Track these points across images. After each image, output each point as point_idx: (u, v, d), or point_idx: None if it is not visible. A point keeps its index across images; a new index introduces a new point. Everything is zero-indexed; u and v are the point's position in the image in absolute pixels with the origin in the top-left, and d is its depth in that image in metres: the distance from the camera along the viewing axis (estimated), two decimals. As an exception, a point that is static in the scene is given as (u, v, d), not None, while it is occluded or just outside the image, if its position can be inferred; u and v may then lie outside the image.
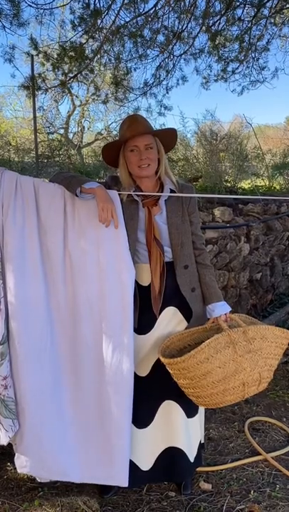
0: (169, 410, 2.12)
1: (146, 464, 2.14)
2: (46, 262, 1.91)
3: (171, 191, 2.07)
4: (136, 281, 2.00)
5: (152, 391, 2.09)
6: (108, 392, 1.90)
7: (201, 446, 2.30)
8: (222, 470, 2.38)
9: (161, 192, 2.07)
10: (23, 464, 1.93)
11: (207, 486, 2.24)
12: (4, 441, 1.88)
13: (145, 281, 2.05)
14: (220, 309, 2.08)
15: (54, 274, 1.91)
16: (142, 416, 2.07)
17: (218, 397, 1.89)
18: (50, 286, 1.91)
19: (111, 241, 1.91)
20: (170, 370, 1.93)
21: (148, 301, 2.03)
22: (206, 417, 2.80)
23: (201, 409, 2.28)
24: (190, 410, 2.14)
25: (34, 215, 1.88)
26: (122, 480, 1.92)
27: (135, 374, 1.98)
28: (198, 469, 2.34)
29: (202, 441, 2.35)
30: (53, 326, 1.92)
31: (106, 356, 1.90)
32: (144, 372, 2.09)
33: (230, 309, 2.11)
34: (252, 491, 2.21)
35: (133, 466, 2.02)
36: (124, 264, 1.91)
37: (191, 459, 2.18)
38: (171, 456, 2.14)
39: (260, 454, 2.51)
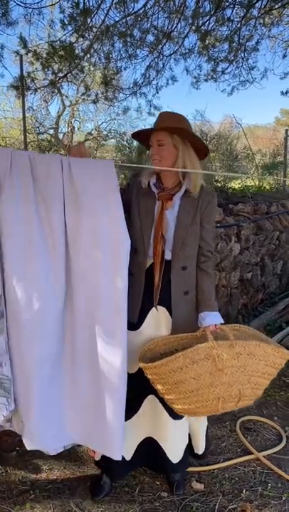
0: (154, 405, 2.13)
1: (128, 453, 2.15)
2: (48, 237, 1.82)
3: (187, 191, 2.04)
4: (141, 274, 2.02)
5: (140, 386, 2.07)
6: (102, 369, 1.87)
7: (189, 452, 2.29)
8: (214, 470, 2.38)
9: (179, 190, 2.04)
10: (33, 440, 1.89)
11: (199, 486, 2.24)
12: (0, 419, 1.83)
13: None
14: (210, 319, 2.02)
15: (56, 250, 1.83)
16: (127, 408, 2.00)
17: (190, 408, 1.85)
18: (51, 262, 1.83)
19: (106, 212, 1.83)
20: (146, 375, 1.91)
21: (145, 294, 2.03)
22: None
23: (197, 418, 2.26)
24: (173, 412, 2.07)
25: (31, 190, 1.78)
26: (116, 453, 1.91)
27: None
28: (190, 469, 2.35)
29: (196, 452, 2.35)
30: (55, 301, 1.85)
31: (99, 322, 1.86)
32: (132, 370, 2.06)
33: (221, 321, 2.03)
34: (244, 490, 2.22)
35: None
36: (119, 235, 1.83)
37: (173, 460, 2.18)
38: (150, 446, 2.17)
39: (252, 453, 2.51)
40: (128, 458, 2.15)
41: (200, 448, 2.34)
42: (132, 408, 2.08)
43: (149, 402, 2.14)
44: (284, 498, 2.18)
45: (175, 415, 2.10)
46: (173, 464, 2.18)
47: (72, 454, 2.43)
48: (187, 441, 2.26)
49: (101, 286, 1.84)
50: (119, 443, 1.90)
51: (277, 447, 2.58)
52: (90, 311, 1.86)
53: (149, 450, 2.19)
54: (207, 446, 2.39)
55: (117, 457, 1.91)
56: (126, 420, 1.99)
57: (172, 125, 1.98)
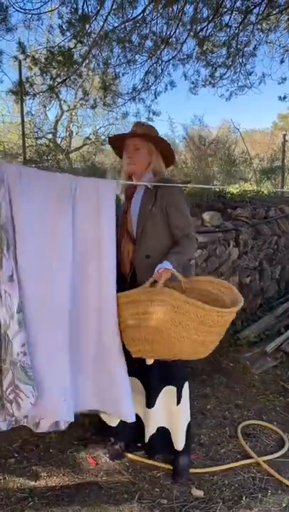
0: (134, 385, 2.28)
1: (114, 422, 2.39)
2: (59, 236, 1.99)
3: (146, 187, 2.25)
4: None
5: (155, 377, 2.27)
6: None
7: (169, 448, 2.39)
8: (213, 476, 2.36)
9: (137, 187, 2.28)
10: (62, 411, 2.01)
11: (199, 493, 2.23)
12: (26, 409, 1.89)
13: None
14: (160, 265, 2.06)
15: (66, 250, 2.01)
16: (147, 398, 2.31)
17: (133, 347, 2.05)
18: (60, 260, 1.99)
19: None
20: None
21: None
22: (197, 422, 2.80)
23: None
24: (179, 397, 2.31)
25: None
26: (129, 416, 2.13)
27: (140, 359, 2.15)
28: (190, 471, 2.36)
29: (176, 447, 2.38)
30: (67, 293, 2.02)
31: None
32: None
33: (166, 266, 2.04)
34: (244, 497, 2.20)
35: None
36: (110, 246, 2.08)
37: (176, 445, 2.35)
38: (161, 434, 2.35)
39: (252, 459, 2.50)
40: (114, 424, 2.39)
41: (178, 443, 2.35)
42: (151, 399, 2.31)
43: (132, 382, 2.25)
44: (284, 505, 2.16)
45: (148, 403, 2.31)
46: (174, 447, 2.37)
47: (71, 461, 2.42)
48: (170, 423, 2.36)
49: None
50: (131, 407, 2.12)
51: (279, 452, 2.57)
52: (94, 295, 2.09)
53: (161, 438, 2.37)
54: (187, 444, 2.40)
55: (130, 419, 2.13)
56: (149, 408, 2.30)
57: (146, 131, 2.26)
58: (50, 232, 1.96)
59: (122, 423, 2.33)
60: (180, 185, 2.32)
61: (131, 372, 2.20)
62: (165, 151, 2.30)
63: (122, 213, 2.28)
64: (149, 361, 2.24)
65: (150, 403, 2.31)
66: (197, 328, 1.86)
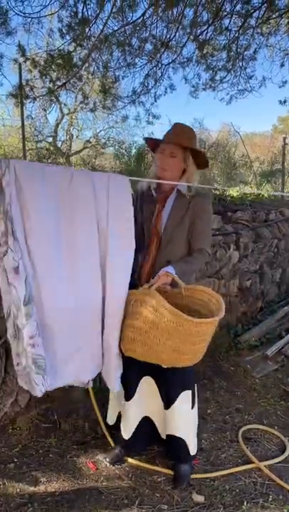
0: (151, 386, 2.36)
1: (127, 434, 2.41)
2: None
3: (180, 193, 2.27)
4: None
5: (136, 368, 2.27)
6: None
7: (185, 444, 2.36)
8: (214, 481, 2.34)
9: (172, 193, 2.30)
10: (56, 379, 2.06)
11: (200, 498, 2.21)
12: (39, 394, 1.96)
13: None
14: (163, 270, 2.10)
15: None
16: (127, 390, 2.37)
17: (126, 345, 2.08)
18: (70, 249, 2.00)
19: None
20: None
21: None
22: (198, 427, 2.78)
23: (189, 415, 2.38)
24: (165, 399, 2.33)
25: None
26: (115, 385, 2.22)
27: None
28: (191, 476, 2.35)
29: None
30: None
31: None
32: None
33: (169, 270, 2.09)
34: (245, 502, 2.19)
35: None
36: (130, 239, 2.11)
37: (191, 451, 2.36)
38: (149, 424, 2.41)
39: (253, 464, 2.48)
40: (126, 437, 2.41)
41: (191, 448, 2.38)
42: (131, 389, 2.36)
43: (146, 382, 2.36)
44: (285, 511, 2.14)
45: (165, 404, 2.33)
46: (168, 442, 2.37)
47: (71, 466, 2.40)
48: (187, 431, 2.36)
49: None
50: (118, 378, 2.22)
51: (280, 457, 2.55)
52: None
53: (150, 429, 2.44)
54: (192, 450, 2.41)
55: (116, 388, 2.22)
56: (127, 401, 2.36)
57: (186, 141, 2.22)
58: (63, 225, 1.96)
59: (134, 437, 2.40)
60: (181, 182, 2.28)
61: (146, 371, 2.31)
62: (200, 159, 2.28)
63: (150, 216, 2.30)
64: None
65: (168, 405, 2.32)
66: (172, 335, 1.89)
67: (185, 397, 2.32)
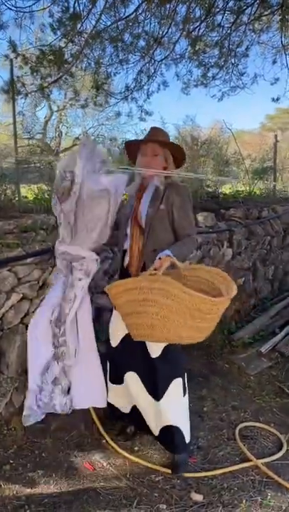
0: (135, 381, 2.44)
1: (125, 409, 2.60)
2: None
3: (156, 188, 2.37)
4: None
5: (121, 362, 2.47)
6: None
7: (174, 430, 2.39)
8: (212, 480, 2.34)
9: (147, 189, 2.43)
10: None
11: (198, 497, 2.20)
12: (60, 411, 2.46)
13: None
14: (162, 253, 2.17)
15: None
16: (115, 378, 2.55)
17: (133, 331, 2.17)
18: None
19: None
20: (110, 299, 2.22)
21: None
22: (194, 425, 2.76)
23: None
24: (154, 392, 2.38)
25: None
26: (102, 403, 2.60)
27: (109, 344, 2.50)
28: (189, 475, 2.35)
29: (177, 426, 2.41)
30: None
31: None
32: (115, 343, 2.48)
33: (167, 254, 2.15)
34: (244, 500, 2.18)
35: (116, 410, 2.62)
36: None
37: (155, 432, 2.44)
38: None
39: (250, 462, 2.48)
40: (126, 411, 2.60)
41: (186, 436, 2.44)
42: (118, 379, 2.51)
43: (130, 377, 2.45)
44: (284, 508, 2.14)
45: (156, 396, 2.36)
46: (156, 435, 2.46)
47: (67, 467, 2.38)
48: (181, 419, 2.42)
49: None
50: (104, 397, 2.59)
51: (277, 454, 2.55)
52: None
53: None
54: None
55: (103, 405, 2.58)
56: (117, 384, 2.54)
57: (163, 138, 2.41)
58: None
59: (133, 411, 2.54)
60: (173, 173, 2.43)
61: (129, 367, 2.43)
62: (177, 154, 2.45)
63: (129, 210, 2.43)
64: (155, 354, 2.33)
65: (158, 396, 2.35)
66: (193, 315, 1.99)
67: (177, 385, 2.37)
